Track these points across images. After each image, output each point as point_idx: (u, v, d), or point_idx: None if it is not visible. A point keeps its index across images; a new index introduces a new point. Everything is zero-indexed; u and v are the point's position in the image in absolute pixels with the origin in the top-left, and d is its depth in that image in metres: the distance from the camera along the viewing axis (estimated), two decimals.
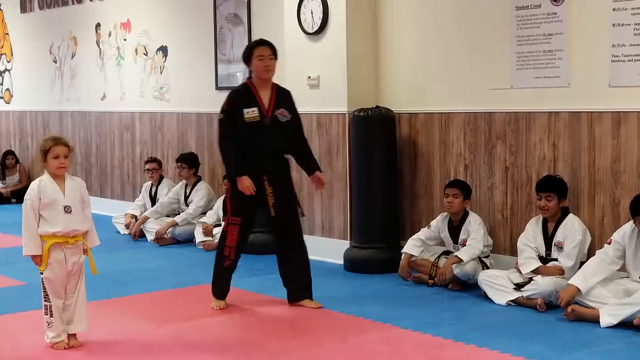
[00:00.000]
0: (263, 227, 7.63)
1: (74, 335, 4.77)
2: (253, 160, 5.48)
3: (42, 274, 4.67)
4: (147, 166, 8.85)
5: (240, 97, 5.56)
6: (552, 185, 5.67)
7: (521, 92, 6.16)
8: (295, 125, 5.66)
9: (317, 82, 7.20)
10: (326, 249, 7.18)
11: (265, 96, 5.55)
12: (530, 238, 5.72)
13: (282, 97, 5.63)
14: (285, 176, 5.66)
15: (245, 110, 5.47)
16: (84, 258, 4.78)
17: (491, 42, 6.31)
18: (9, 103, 12.73)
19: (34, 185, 4.70)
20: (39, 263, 4.65)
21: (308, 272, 5.69)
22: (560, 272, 5.48)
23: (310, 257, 7.20)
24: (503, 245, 6.32)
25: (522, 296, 5.48)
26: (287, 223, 5.62)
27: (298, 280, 5.67)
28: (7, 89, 12.73)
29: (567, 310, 5.12)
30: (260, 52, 5.55)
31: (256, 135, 5.48)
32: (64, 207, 4.66)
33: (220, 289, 5.66)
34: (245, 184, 5.40)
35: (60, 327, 4.69)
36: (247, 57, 5.64)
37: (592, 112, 5.76)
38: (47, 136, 4.87)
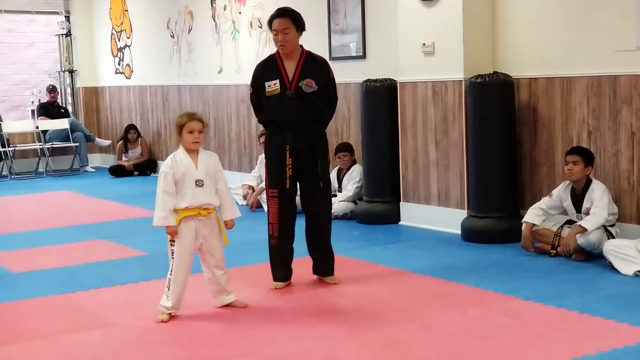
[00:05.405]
0: (378, 197, 7.69)
1: (235, 300, 5.00)
2: (278, 131, 5.35)
3: (172, 246, 4.77)
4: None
5: (263, 70, 5.40)
6: None
7: None
8: (324, 96, 5.38)
9: (432, 49, 7.05)
10: (443, 218, 7.08)
11: (290, 67, 5.31)
12: None
13: (311, 66, 5.34)
14: (313, 149, 5.36)
15: (267, 84, 5.30)
16: (217, 230, 4.89)
17: (615, 0, 6.02)
18: (129, 78, 13.06)
19: (169, 159, 4.83)
20: (172, 233, 4.74)
21: (328, 252, 5.53)
22: None
23: (427, 226, 7.23)
24: (629, 214, 6.06)
25: None
26: (305, 198, 5.46)
27: (321, 257, 5.52)
28: (128, 65, 13.05)
29: None
30: (274, 26, 5.30)
31: (279, 108, 5.30)
32: (196, 181, 4.77)
33: (276, 273, 5.46)
34: None
35: (173, 300, 4.77)
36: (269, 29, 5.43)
37: None
38: (183, 112, 5.01)
